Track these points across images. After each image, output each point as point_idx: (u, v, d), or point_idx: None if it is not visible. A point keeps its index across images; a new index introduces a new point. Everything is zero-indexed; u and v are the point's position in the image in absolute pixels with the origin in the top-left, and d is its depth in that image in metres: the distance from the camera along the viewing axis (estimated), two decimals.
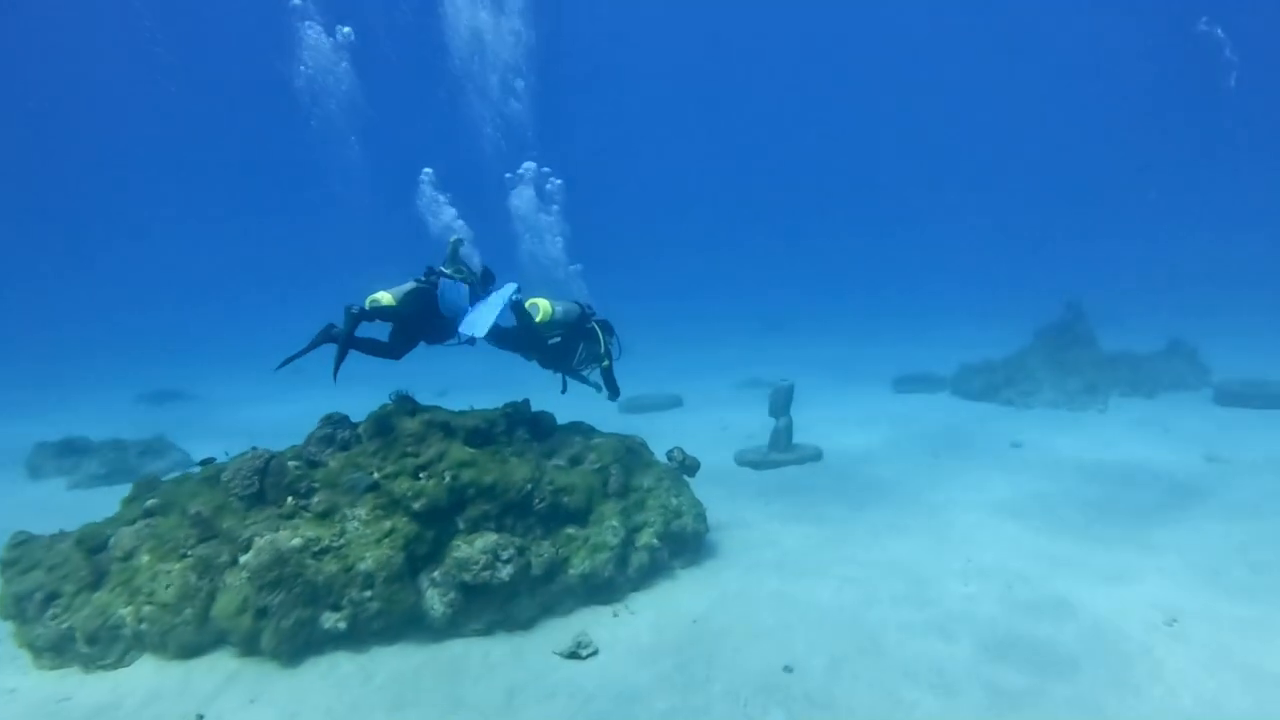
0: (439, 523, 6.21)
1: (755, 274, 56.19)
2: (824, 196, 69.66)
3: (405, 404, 6.90)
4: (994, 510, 9.09)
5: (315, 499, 6.13)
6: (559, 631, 6.26)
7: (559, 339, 8.28)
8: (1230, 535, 7.96)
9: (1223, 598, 6.52)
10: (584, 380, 8.80)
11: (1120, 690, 5.17)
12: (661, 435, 14.17)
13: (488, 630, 6.13)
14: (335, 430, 6.70)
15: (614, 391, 8.74)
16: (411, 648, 5.91)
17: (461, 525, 6.31)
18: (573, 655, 5.84)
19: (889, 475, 10.96)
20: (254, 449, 6.53)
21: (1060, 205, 59.89)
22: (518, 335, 8.20)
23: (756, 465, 11.62)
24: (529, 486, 6.63)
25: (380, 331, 7.57)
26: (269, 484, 6.20)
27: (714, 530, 8.39)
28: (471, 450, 6.65)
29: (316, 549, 5.80)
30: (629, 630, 6.31)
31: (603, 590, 6.73)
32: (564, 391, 8.77)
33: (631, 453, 7.88)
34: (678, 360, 26.80)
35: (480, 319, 7.56)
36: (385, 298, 7.29)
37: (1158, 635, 5.89)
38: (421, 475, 6.31)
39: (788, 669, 5.58)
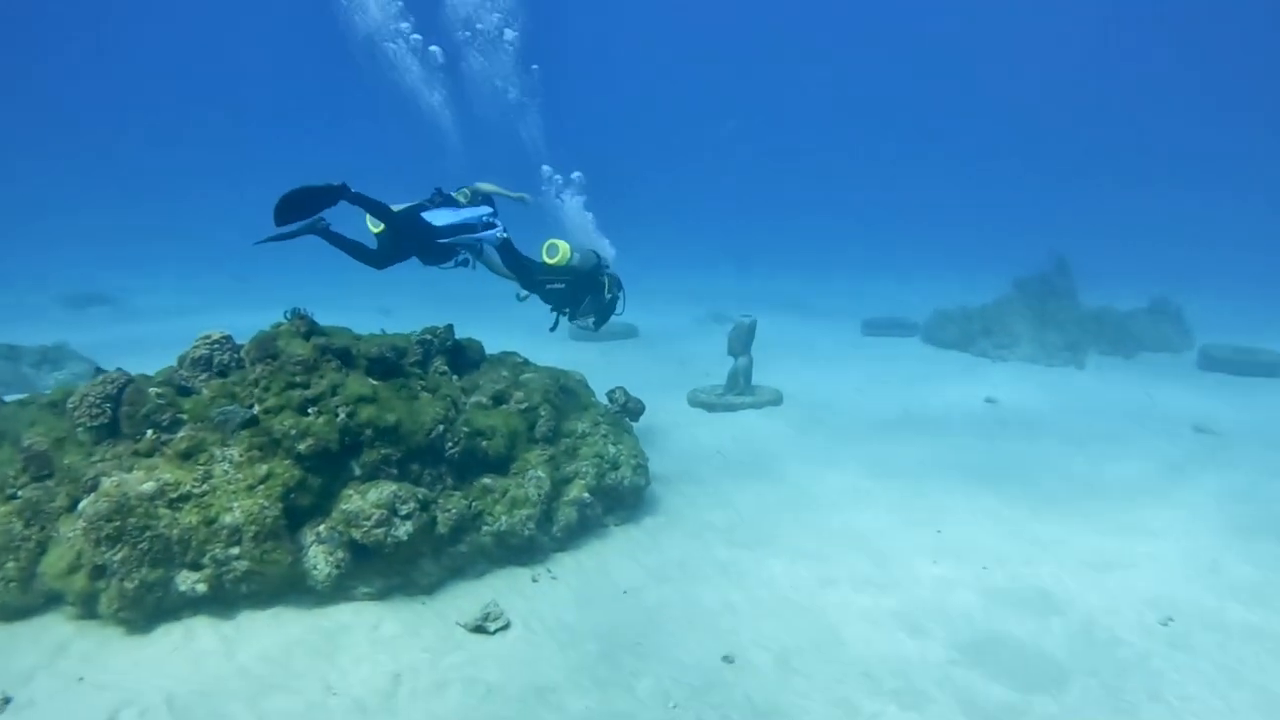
0: (328, 468, 5.24)
1: (726, 205, 54.73)
2: (810, 133, 67.84)
3: (299, 324, 5.84)
4: (966, 476, 8.31)
5: (179, 434, 5.11)
6: (467, 598, 5.39)
7: (563, 285, 8.22)
8: (1227, 519, 7.25)
9: (1224, 596, 5.79)
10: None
11: (1114, 711, 4.40)
12: (612, 368, 13.28)
13: (382, 595, 5.23)
14: (214, 352, 5.63)
15: (596, 327, 8.83)
16: (289, 615, 4.97)
17: (357, 472, 5.35)
18: (479, 629, 4.97)
19: (854, 429, 10.14)
20: (117, 370, 5.46)
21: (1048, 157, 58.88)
22: (518, 267, 8.08)
23: (711, 407, 10.74)
24: (440, 428, 5.67)
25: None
26: (124, 414, 5.15)
27: (657, 483, 7.53)
28: (374, 383, 5.65)
29: (174, 495, 4.80)
30: (549, 600, 5.45)
31: (522, 551, 5.86)
32: (553, 329, 8.97)
33: (566, 392, 6.95)
34: (637, 288, 25.38)
35: (442, 214, 7.36)
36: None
37: (1155, 640, 5.14)
38: (310, 411, 5.30)
39: (728, 660, 4.76)
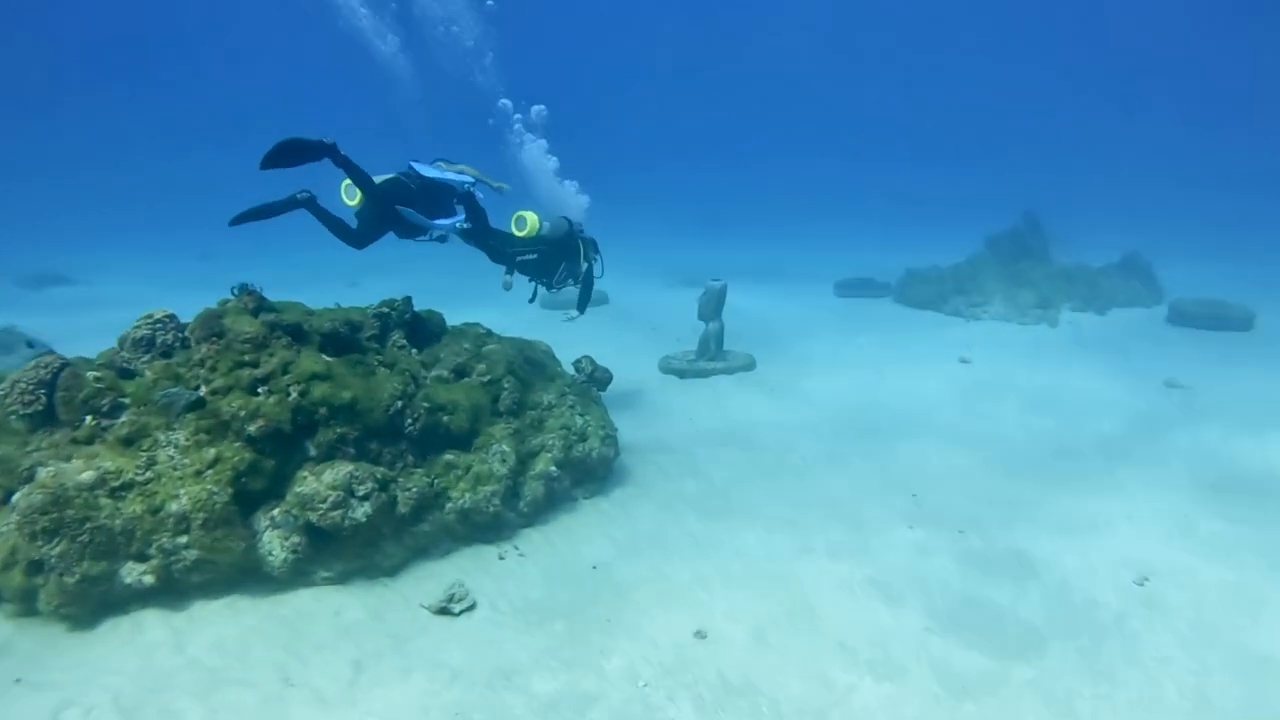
0: (282, 450, 5.02)
1: (697, 165, 54.22)
2: (784, 95, 67.11)
3: (247, 300, 5.57)
4: (942, 437, 8.22)
5: (121, 420, 4.86)
6: (431, 579, 5.22)
7: (536, 255, 8.28)
8: (1200, 475, 7.22)
9: (1198, 554, 5.75)
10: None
11: (1092, 676, 4.33)
12: (582, 336, 13.05)
13: (343, 579, 5.05)
14: (156, 332, 5.36)
15: (579, 314, 9.30)
16: (245, 604, 4.78)
17: (312, 452, 5.13)
18: (443, 611, 4.82)
19: (827, 391, 10.02)
20: (50, 353, 5.19)
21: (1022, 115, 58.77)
22: (490, 243, 8.14)
23: (682, 374, 10.58)
24: (398, 404, 5.45)
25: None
26: (60, 400, 4.89)
27: (627, 453, 7.37)
28: (328, 360, 5.42)
29: (116, 484, 4.57)
30: (516, 579, 5.29)
31: (488, 528, 5.69)
32: (532, 300, 9.29)
33: (531, 363, 6.74)
34: (607, 252, 25.14)
35: (425, 168, 7.43)
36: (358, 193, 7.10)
37: (1130, 601, 5.08)
38: (260, 390, 5.06)
39: (700, 635, 4.64)
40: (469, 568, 5.40)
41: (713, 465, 7.40)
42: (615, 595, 5.12)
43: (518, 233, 8.24)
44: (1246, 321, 13.73)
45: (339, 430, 5.16)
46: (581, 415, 6.57)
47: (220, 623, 4.56)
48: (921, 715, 4.01)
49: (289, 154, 6.40)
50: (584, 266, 8.71)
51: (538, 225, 8.17)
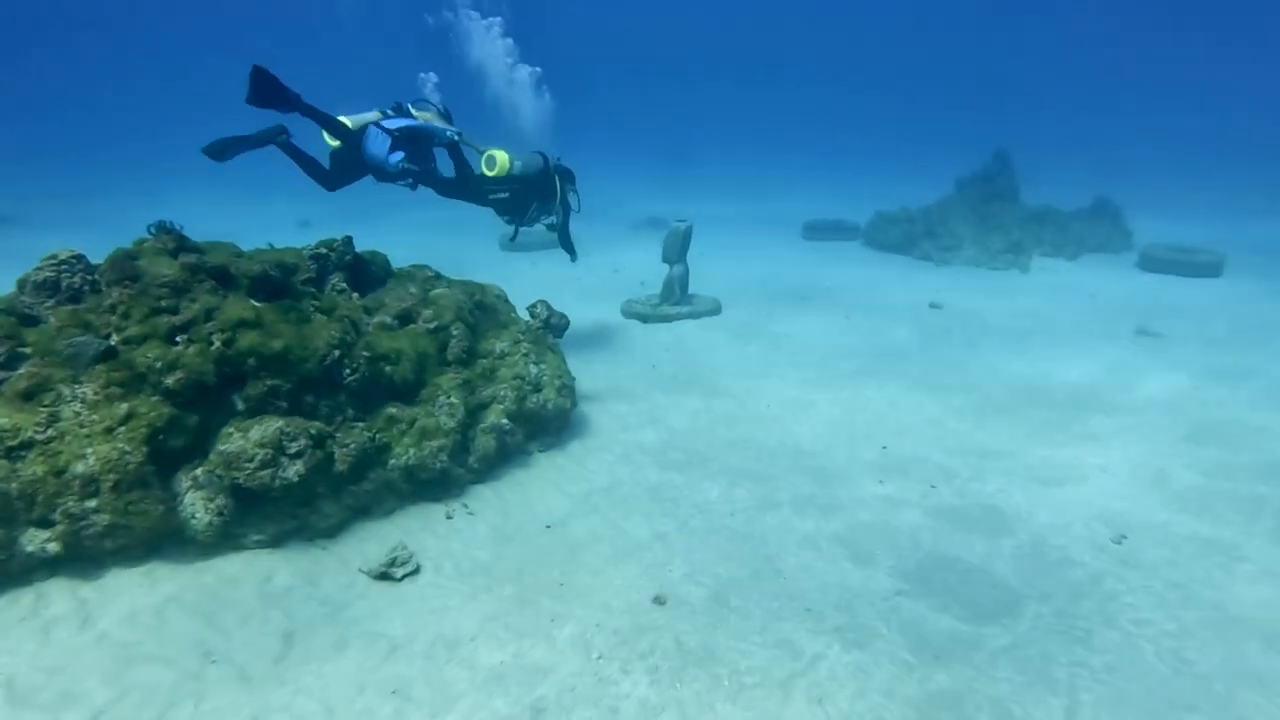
0: (205, 404, 4.60)
1: (662, 102, 53.13)
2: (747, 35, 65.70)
3: (166, 240, 5.09)
4: (912, 384, 7.98)
5: (20, 371, 4.41)
6: (373, 540, 4.89)
7: (508, 194, 8.11)
8: (1173, 426, 7.04)
9: (1173, 507, 5.57)
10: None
11: (1068, 639, 4.11)
12: (542, 279, 12.67)
13: (275, 542, 4.69)
14: (62, 274, 4.87)
15: (572, 253, 9.25)
16: (164, 571, 4.41)
17: (240, 406, 4.72)
18: (384, 576, 4.49)
19: (795, 336, 9.73)
20: None
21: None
22: (460, 186, 7.99)
23: (645, 319, 10.22)
24: (335, 354, 5.04)
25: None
26: None
27: (586, 402, 7.05)
28: (257, 305, 4.97)
29: (13, 443, 4.14)
30: (464, 538, 4.97)
31: (436, 485, 5.35)
32: (513, 239, 9.30)
33: (483, 308, 6.35)
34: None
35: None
36: (344, 120, 7.13)
37: (1106, 559, 4.88)
38: (180, 339, 4.63)
39: (659, 601, 4.35)
40: (414, 528, 5.06)
41: (674, 414, 7.11)
42: (569, 555, 4.82)
43: (488, 172, 7.95)
44: (1216, 267, 13.62)
45: (270, 382, 4.75)
46: (536, 364, 6.20)
47: (135, 593, 4.18)
48: (891, 686, 3.76)
49: (264, 88, 6.52)
50: (556, 202, 8.46)
51: (508, 164, 7.93)
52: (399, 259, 6.90)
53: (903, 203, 16.54)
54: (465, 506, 5.33)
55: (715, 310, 10.58)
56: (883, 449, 6.43)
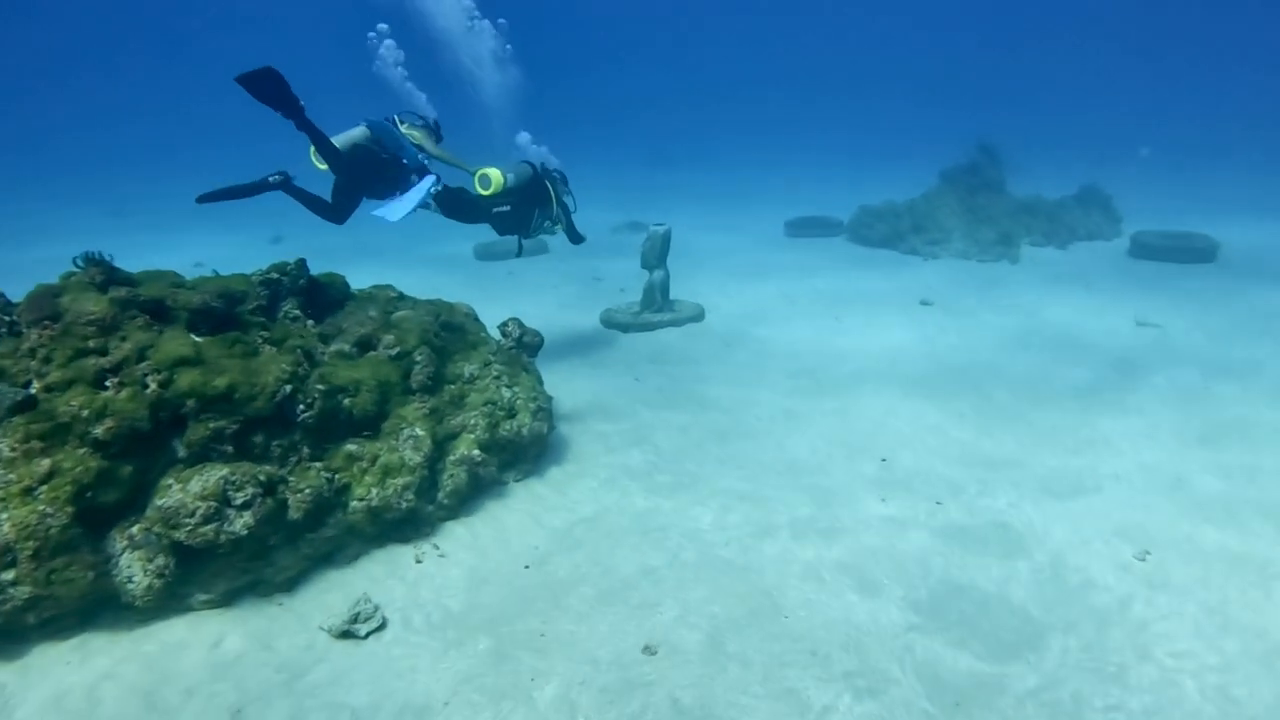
0: (141, 453, 4.17)
1: (644, 102, 52.72)
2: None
3: (93, 272, 4.63)
4: (909, 389, 7.60)
5: None
6: (335, 591, 4.47)
7: (509, 207, 8.06)
8: (1186, 425, 6.70)
9: (1197, 517, 5.21)
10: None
11: (1100, 678, 3.74)
12: (520, 288, 12.25)
13: (226, 601, 4.27)
14: None
15: (581, 240, 8.96)
16: (99, 643, 3.97)
17: (181, 452, 4.29)
18: (347, 634, 4.08)
19: (783, 342, 9.33)
20: None
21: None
22: (464, 209, 7.94)
23: (626, 328, 9.81)
24: (287, 388, 4.61)
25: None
26: None
27: (566, 422, 6.66)
28: (197, 340, 4.54)
29: None
30: (434, 585, 4.56)
31: (404, 524, 4.92)
32: (519, 255, 9.23)
33: (450, 329, 5.93)
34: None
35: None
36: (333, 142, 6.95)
37: (1133, 580, 4.51)
38: (109, 383, 4.19)
39: (649, 650, 3.95)
40: (380, 574, 4.64)
41: (660, 431, 6.70)
42: (550, 599, 4.42)
43: (484, 192, 7.79)
44: (1210, 252, 13.32)
45: (213, 425, 4.31)
46: (509, 387, 5.78)
47: (63, 672, 3.74)
48: None
49: (269, 86, 6.26)
50: (554, 208, 8.40)
51: (502, 180, 7.81)
52: (373, 274, 6.50)
53: (886, 197, 16.19)
54: (436, 548, 4.91)
55: (699, 316, 10.17)
56: (882, 462, 6.05)
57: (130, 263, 5.20)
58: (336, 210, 7.37)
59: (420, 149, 7.72)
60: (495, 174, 7.77)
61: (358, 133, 7.36)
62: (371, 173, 7.39)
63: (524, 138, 8.79)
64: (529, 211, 8.28)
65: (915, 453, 6.21)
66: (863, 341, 9.23)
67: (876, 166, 27.96)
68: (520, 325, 6.46)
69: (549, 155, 8.65)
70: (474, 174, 7.82)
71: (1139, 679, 3.73)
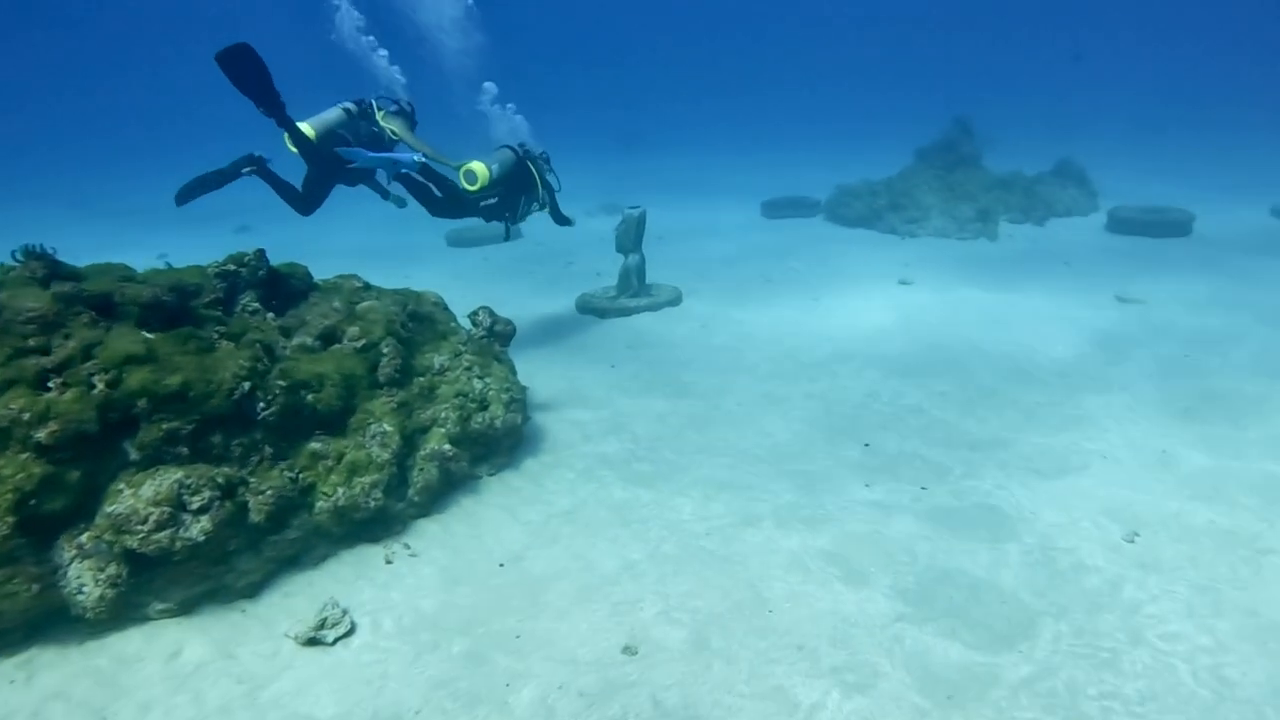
0: (90, 457, 3.94)
1: (613, 83, 52.26)
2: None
3: (35, 266, 4.39)
4: (890, 370, 7.47)
5: None
6: (301, 595, 4.29)
7: (496, 198, 7.95)
8: (1169, 400, 6.62)
9: (1184, 494, 5.12)
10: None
11: (1094, 664, 3.63)
12: (493, 273, 12.02)
13: (185, 609, 4.07)
14: None
15: (568, 222, 9.04)
16: (47, 658, 3.76)
17: (134, 455, 4.07)
18: (313, 641, 3.89)
19: (762, 324, 9.17)
20: None
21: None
22: (450, 207, 7.84)
23: (603, 313, 9.61)
24: (245, 385, 4.40)
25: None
26: None
27: (541, 412, 6.48)
28: (149, 337, 4.32)
29: None
30: (405, 586, 4.38)
31: (374, 523, 4.74)
32: (507, 239, 9.13)
33: (418, 319, 5.72)
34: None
35: (368, 155, 7.19)
36: (306, 130, 6.83)
37: (1123, 561, 4.41)
38: (53, 384, 3.96)
39: (629, 651, 3.80)
40: (348, 577, 4.46)
41: (638, 419, 6.54)
42: (527, 597, 4.25)
43: (470, 188, 7.61)
44: (1186, 225, 13.28)
45: (166, 425, 4.10)
46: (481, 378, 5.60)
47: (7, 692, 3.53)
48: None
49: (250, 74, 6.27)
50: (539, 192, 8.30)
51: (488, 174, 7.62)
52: (342, 263, 6.30)
53: (861, 174, 16.04)
54: (407, 547, 4.73)
55: (676, 300, 10.00)
56: (865, 446, 5.92)
57: (92, 258, 5.00)
58: (306, 201, 7.24)
59: (397, 138, 7.56)
60: (480, 168, 7.58)
61: (333, 117, 7.20)
62: (345, 164, 7.28)
63: (490, 88, 8.77)
64: (515, 199, 8.17)
65: (899, 435, 6.09)
66: (842, 322, 9.09)
67: (852, 147, 27.75)
68: (491, 314, 6.26)
69: (528, 135, 8.57)
70: (458, 169, 7.62)
71: (1132, 664, 3.62)
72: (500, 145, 8.11)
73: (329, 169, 7.21)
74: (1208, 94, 37.82)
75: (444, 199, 7.75)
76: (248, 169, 6.83)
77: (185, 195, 6.68)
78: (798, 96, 46.21)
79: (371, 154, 7.18)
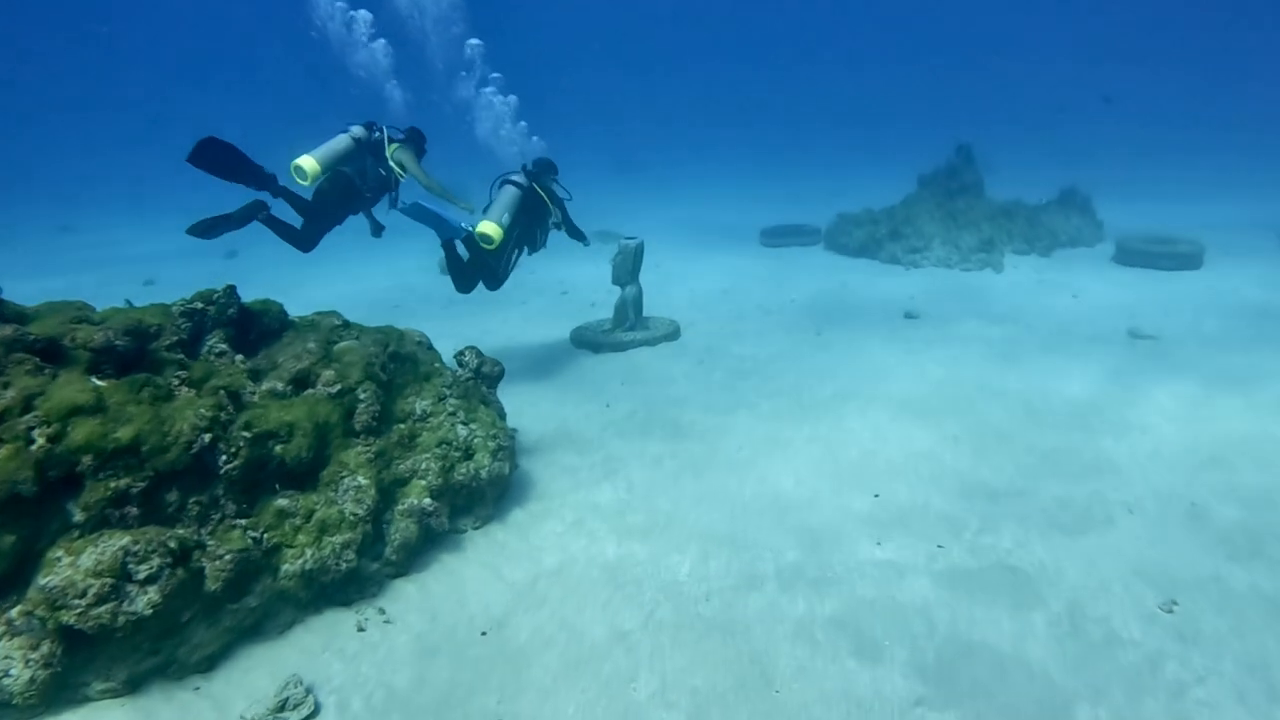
0: (27, 521, 3.57)
1: (609, 107, 52.28)
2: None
3: None
4: (899, 412, 7.11)
5: None
6: (262, 669, 3.91)
7: (514, 243, 7.75)
8: (1195, 446, 6.26)
9: (1220, 553, 4.76)
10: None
11: None
12: (484, 304, 11.66)
13: (131, 686, 3.68)
14: None
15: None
16: None
17: (78, 517, 3.70)
18: None
19: (763, 359, 8.82)
20: None
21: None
22: (482, 271, 7.67)
23: (597, 347, 9.27)
24: (206, 436, 4.04)
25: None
26: None
27: (530, 456, 6.14)
28: (99, 384, 3.96)
29: None
30: (378, 658, 4.00)
31: (344, 586, 4.36)
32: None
33: (399, 360, 5.37)
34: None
35: (424, 204, 7.08)
36: (309, 165, 6.88)
37: (1160, 633, 4.04)
38: None
39: None
40: (315, 647, 4.08)
41: (633, 463, 6.18)
42: (510, 671, 3.88)
43: (489, 248, 7.43)
44: (1197, 258, 12.96)
45: (114, 484, 3.73)
46: (466, 424, 5.24)
47: None
48: None
49: (226, 159, 6.42)
50: (550, 213, 8.11)
51: (501, 230, 7.38)
52: (325, 292, 5.96)
53: (862, 202, 15.78)
54: (381, 612, 4.35)
55: (673, 334, 9.66)
56: (875, 497, 5.55)
57: (79, 280, 4.66)
58: (308, 239, 7.18)
59: (404, 170, 7.43)
60: (492, 229, 7.33)
61: (341, 148, 7.15)
62: (349, 202, 7.30)
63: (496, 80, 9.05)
64: (533, 229, 8.03)
65: (909, 484, 5.73)
66: (845, 359, 8.75)
67: (854, 175, 27.63)
68: (478, 354, 5.90)
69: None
70: (474, 233, 7.37)
71: None
72: (501, 181, 7.82)
73: (337, 203, 7.15)
74: (1206, 119, 37.78)
75: (475, 269, 7.64)
76: (261, 209, 6.74)
77: (200, 230, 6.59)
78: (798, 123, 46.21)
79: (429, 209, 7.09)
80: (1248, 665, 3.80)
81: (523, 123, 9.09)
